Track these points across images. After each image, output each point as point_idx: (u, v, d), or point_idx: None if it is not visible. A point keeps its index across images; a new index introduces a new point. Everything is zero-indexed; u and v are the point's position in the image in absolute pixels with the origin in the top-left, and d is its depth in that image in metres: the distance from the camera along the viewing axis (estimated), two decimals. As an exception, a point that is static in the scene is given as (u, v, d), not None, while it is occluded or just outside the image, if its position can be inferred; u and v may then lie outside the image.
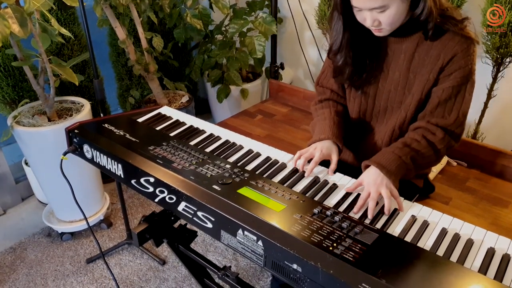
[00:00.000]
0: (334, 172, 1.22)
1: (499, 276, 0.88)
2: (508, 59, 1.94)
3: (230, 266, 1.29)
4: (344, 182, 1.18)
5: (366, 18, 1.13)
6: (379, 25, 1.13)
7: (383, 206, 1.07)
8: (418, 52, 1.20)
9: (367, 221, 1.02)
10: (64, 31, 1.72)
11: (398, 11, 1.10)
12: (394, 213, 1.06)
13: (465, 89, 1.18)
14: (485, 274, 0.88)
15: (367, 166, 1.17)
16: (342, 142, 1.30)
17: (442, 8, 1.13)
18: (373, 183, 1.10)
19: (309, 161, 1.23)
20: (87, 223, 1.44)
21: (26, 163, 2.33)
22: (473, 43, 1.15)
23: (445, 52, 1.15)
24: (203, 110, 3.10)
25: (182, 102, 2.60)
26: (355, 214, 1.06)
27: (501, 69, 1.98)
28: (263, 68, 2.73)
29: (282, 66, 2.49)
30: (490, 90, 2.05)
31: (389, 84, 1.26)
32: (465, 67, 1.15)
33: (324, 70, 1.43)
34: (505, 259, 0.92)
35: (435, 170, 1.56)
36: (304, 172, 1.20)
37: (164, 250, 2.13)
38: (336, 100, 1.40)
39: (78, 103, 2.11)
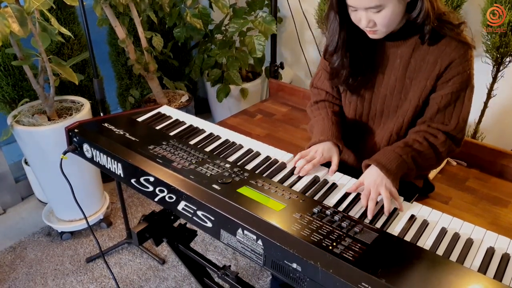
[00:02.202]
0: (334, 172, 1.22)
1: (499, 275, 0.88)
2: (508, 59, 1.94)
3: (229, 266, 1.30)
4: (343, 181, 1.18)
5: (361, 18, 1.11)
6: (374, 26, 1.11)
7: (383, 206, 1.07)
8: (414, 58, 1.18)
9: (366, 221, 1.02)
10: (64, 30, 1.72)
11: (394, 12, 1.08)
12: (394, 212, 1.06)
13: (464, 95, 1.17)
14: (484, 273, 0.88)
15: (367, 166, 1.17)
16: (342, 142, 1.29)
17: (439, 12, 1.11)
18: (373, 183, 1.10)
19: None
20: (87, 222, 1.44)
21: (26, 163, 2.33)
22: (470, 48, 1.13)
23: (442, 58, 1.13)
24: (202, 109, 3.10)
25: (181, 102, 2.60)
26: (363, 207, 1.07)
27: (501, 68, 1.98)
28: (263, 68, 2.73)
29: (282, 66, 2.49)
30: (490, 89, 2.05)
31: (385, 88, 1.25)
32: (463, 73, 1.13)
33: (318, 71, 1.43)
34: (504, 258, 0.92)
35: (434, 170, 1.56)
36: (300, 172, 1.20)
37: (164, 249, 2.13)
38: (331, 101, 1.40)
39: (78, 103, 2.11)
